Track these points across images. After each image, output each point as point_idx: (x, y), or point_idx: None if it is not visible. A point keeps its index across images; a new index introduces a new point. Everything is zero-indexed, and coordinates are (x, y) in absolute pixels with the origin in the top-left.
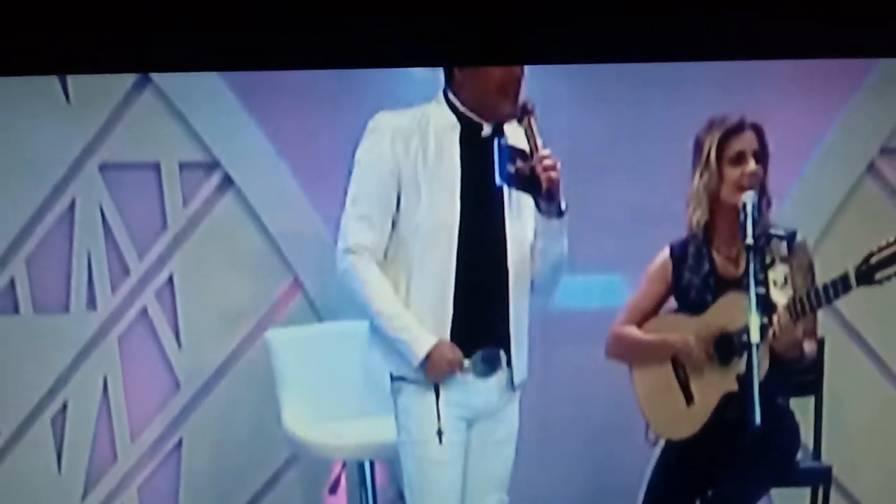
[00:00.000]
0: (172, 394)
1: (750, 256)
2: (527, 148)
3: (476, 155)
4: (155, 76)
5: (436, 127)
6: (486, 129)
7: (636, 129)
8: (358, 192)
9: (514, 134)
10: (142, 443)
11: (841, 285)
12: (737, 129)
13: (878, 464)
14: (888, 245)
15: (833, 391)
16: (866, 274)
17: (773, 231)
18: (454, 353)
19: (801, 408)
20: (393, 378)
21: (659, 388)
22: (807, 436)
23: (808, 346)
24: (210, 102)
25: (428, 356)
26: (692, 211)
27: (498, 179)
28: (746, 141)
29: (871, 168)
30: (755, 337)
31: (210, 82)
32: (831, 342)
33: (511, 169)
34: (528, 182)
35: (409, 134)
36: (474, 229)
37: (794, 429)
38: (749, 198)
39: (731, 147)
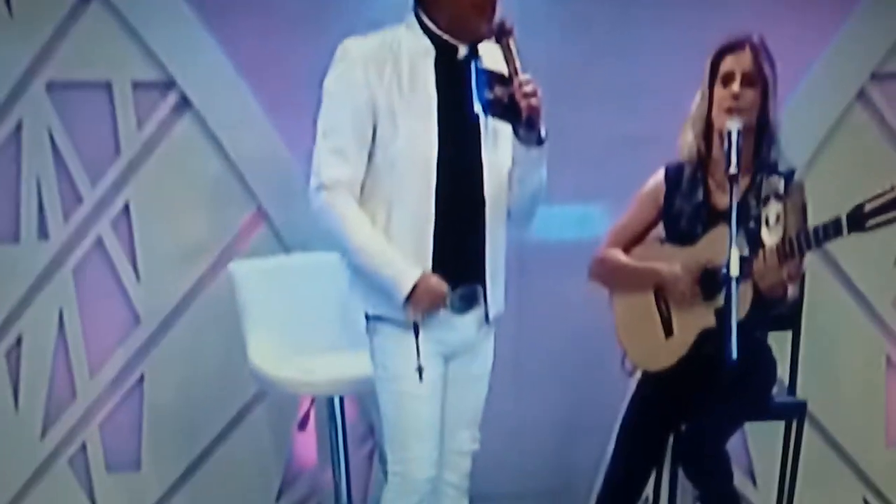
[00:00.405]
0: (132, 328)
1: (734, 187)
2: (505, 71)
3: (452, 79)
4: None
5: (409, 51)
6: (462, 51)
7: (619, 51)
8: (330, 124)
9: (492, 56)
10: (102, 378)
11: (833, 230)
12: (732, 47)
13: (854, 398)
14: (882, 194)
15: (811, 325)
16: (858, 221)
17: (773, 166)
18: (440, 285)
19: (777, 341)
20: (369, 317)
21: (638, 316)
22: (783, 370)
23: (791, 289)
24: (164, 16)
25: (413, 290)
26: (683, 135)
27: (476, 106)
28: (739, 60)
29: (861, 95)
30: (734, 270)
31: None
32: (811, 275)
33: (489, 95)
34: (507, 109)
35: (381, 60)
36: (452, 159)
37: (771, 363)
38: (733, 124)
39: (722, 66)
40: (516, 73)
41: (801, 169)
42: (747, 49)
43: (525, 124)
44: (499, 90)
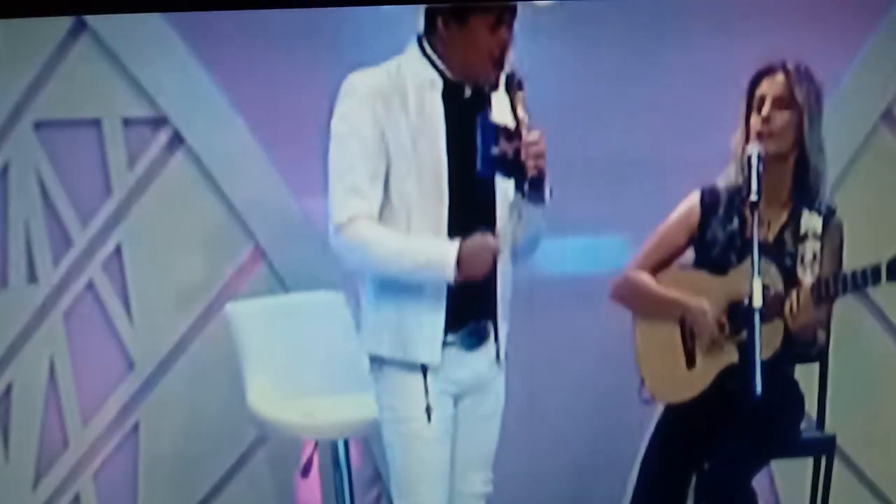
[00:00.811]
0: (126, 374)
1: (755, 216)
2: (511, 123)
3: (460, 112)
4: (91, 20)
5: (415, 84)
6: (468, 91)
7: (637, 67)
8: (342, 164)
9: (497, 99)
10: (95, 427)
11: (871, 277)
12: (767, 72)
13: (885, 433)
14: None
15: (840, 356)
16: None
17: (814, 203)
18: (485, 238)
19: (804, 373)
20: (374, 358)
21: (660, 343)
22: (810, 404)
23: (820, 334)
24: (155, 50)
25: (460, 257)
26: (728, 169)
27: (479, 165)
28: (771, 84)
29: (887, 115)
30: (757, 301)
31: (154, 26)
32: (839, 305)
33: (494, 151)
34: (512, 167)
35: (387, 94)
36: (463, 194)
37: (798, 399)
38: (753, 149)
39: (757, 91)
40: (523, 130)
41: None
42: (780, 72)
43: (529, 184)
44: (504, 145)
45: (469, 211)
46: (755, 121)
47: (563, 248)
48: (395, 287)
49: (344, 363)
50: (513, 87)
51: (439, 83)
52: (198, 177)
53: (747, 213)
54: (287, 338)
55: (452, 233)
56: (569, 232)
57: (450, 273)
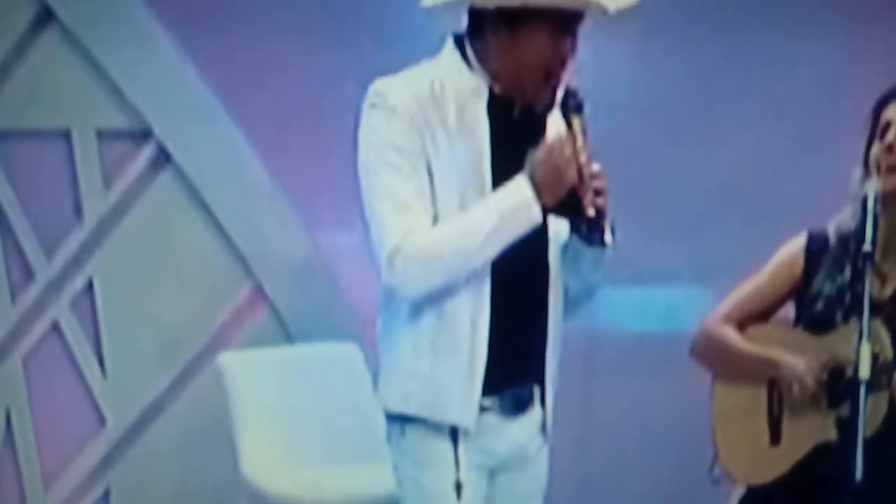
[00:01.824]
0: (96, 432)
1: (866, 269)
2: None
3: (507, 136)
4: (59, 8)
5: (455, 93)
6: (517, 110)
7: (728, 78)
8: (383, 185)
9: (552, 123)
10: (58, 493)
11: None
12: (893, 95)
13: None
14: None
15: None
16: None
17: None
18: (553, 147)
19: None
20: (394, 417)
21: (742, 413)
22: None
23: None
24: (137, 48)
25: (535, 182)
26: (843, 210)
27: None
28: None
29: None
30: (864, 372)
31: (136, 19)
32: None
33: None
34: (568, 205)
35: (424, 104)
36: (510, 247)
37: None
38: (870, 187)
39: (881, 116)
40: (582, 159)
41: None
42: None
43: (588, 224)
44: None
45: (516, 252)
46: (876, 152)
47: (627, 301)
48: (430, 333)
49: (357, 428)
50: (570, 109)
51: (485, 94)
52: (186, 201)
53: (860, 263)
54: (290, 396)
55: (498, 270)
56: (635, 281)
57: (534, 207)
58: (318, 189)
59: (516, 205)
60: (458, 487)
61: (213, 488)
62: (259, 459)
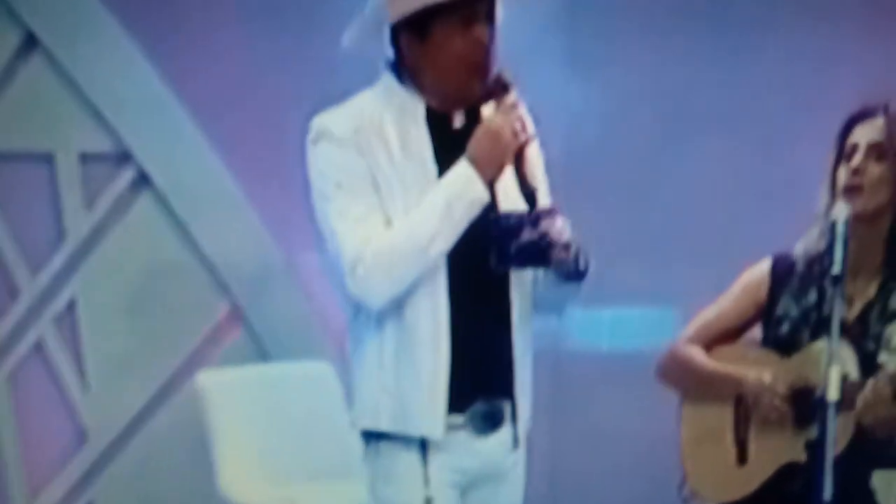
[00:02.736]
0: (78, 447)
1: (837, 292)
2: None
3: (452, 150)
4: (44, 36)
5: (393, 116)
6: (458, 121)
7: (698, 104)
8: (336, 208)
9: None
10: None
11: None
12: (862, 116)
13: None
14: None
15: None
16: None
17: None
18: (490, 125)
19: (884, 481)
20: (368, 435)
21: (708, 433)
22: None
23: None
24: (118, 74)
25: (475, 162)
26: (808, 233)
27: (494, 263)
28: (867, 130)
29: None
30: (833, 394)
31: (118, 44)
32: None
33: (513, 247)
34: (536, 257)
35: (365, 131)
36: (463, 239)
37: None
38: (840, 212)
39: (848, 139)
40: (517, 127)
41: None
42: (880, 117)
43: (556, 265)
44: (528, 233)
45: (473, 262)
46: (842, 175)
47: (597, 320)
48: (392, 348)
49: (332, 444)
50: (500, 90)
51: (421, 112)
52: (166, 222)
53: (827, 286)
54: (267, 413)
55: (455, 280)
56: (605, 301)
57: (478, 184)
58: (295, 209)
59: (458, 183)
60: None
61: (192, 503)
62: (236, 475)
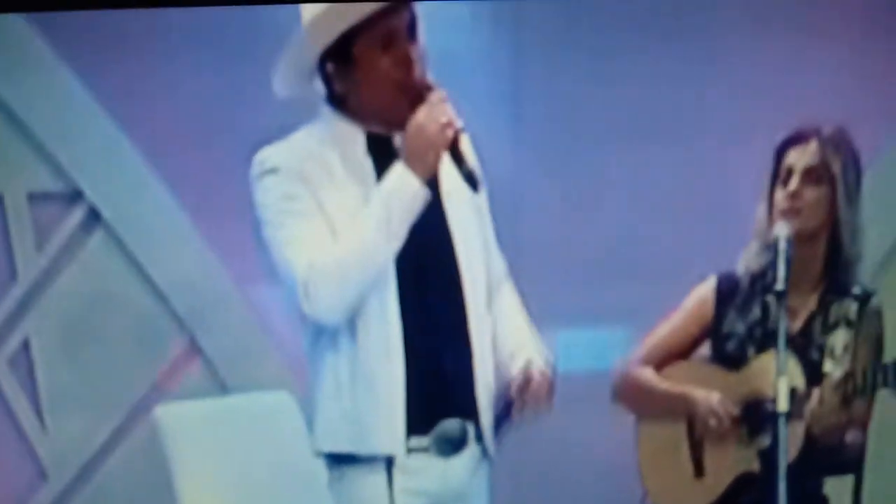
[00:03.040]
0: (37, 486)
1: (781, 307)
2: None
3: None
4: None
5: (334, 145)
6: (399, 140)
7: (644, 126)
8: (284, 237)
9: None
10: None
11: None
12: (797, 139)
13: None
14: None
15: (878, 468)
16: None
17: (849, 287)
18: (419, 118)
19: (835, 488)
20: (332, 459)
21: (665, 449)
22: None
23: (852, 435)
24: (64, 111)
25: (408, 160)
26: (746, 249)
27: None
28: (802, 154)
29: None
30: (783, 405)
31: (61, 85)
32: (880, 408)
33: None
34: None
35: (305, 160)
36: (414, 260)
37: None
38: (781, 231)
39: (784, 161)
40: (444, 121)
41: (866, 279)
42: (814, 141)
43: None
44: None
45: (425, 282)
46: (780, 197)
47: (556, 342)
48: (347, 370)
49: (296, 476)
50: (423, 93)
51: (361, 138)
52: (119, 260)
53: (770, 301)
54: (228, 447)
55: (408, 315)
56: (563, 324)
57: (412, 179)
58: (248, 244)
59: (392, 182)
60: None
61: None
62: None
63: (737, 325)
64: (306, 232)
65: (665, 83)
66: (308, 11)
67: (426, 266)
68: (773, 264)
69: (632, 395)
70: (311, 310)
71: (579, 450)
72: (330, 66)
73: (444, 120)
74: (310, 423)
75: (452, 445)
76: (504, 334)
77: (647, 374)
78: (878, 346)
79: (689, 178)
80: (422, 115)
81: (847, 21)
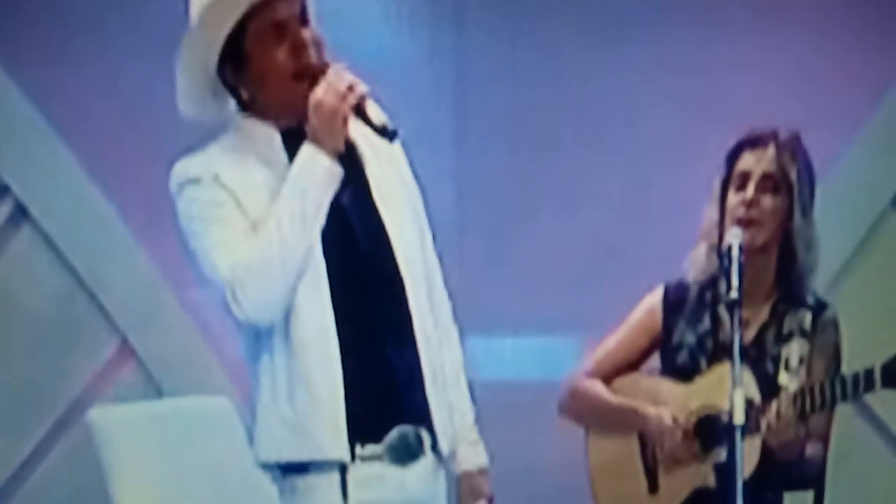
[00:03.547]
0: None
1: (734, 316)
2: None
3: None
4: None
5: (251, 147)
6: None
7: (607, 134)
8: (214, 237)
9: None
10: None
11: (864, 382)
12: (753, 143)
13: None
14: None
15: (839, 484)
16: (894, 375)
17: (803, 297)
18: (336, 83)
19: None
20: (280, 470)
21: (617, 465)
22: None
23: (812, 449)
24: None
25: (315, 139)
26: (695, 250)
27: None
28: (759, 159)
29: None
30: (738, 418)
31: None
32: (839, 421)
33: None
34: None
35: (222, 166)
36: (343, 252)
37: None
38: (734, 238)
39: (738, 164)
40: (343, 88)
41: (823, 289)
42: (771, 146)
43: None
44: None
45: (357, 276)
46: (734, 203)
47: (515, 350)
48: (285, 377)
49: (235, 484)
50: (318, 75)
51: (276, 136)
52: (47, 258)
53: (722, 311)
54: (163, 450)
55: (340, 312)
56: (522, 332)
57: (320, 157)
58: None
59: (302, 163)
60: None
61: None
62: None
63: (686, 335)
64: (228, 236)
65: (613, 85)
66: (195, 10)
67: (362, 262)
68: (725, 272)
69: (580, 409)
70: (240, 312)
71: (530, 460)
72: (228, 70)
73: (343, 87)
74: (250, 432)
75: (408, 453)
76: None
77: (597, 388)
78: (835, 357)
79: (638, 182)
80: (319, 91)
81: (800, 24)
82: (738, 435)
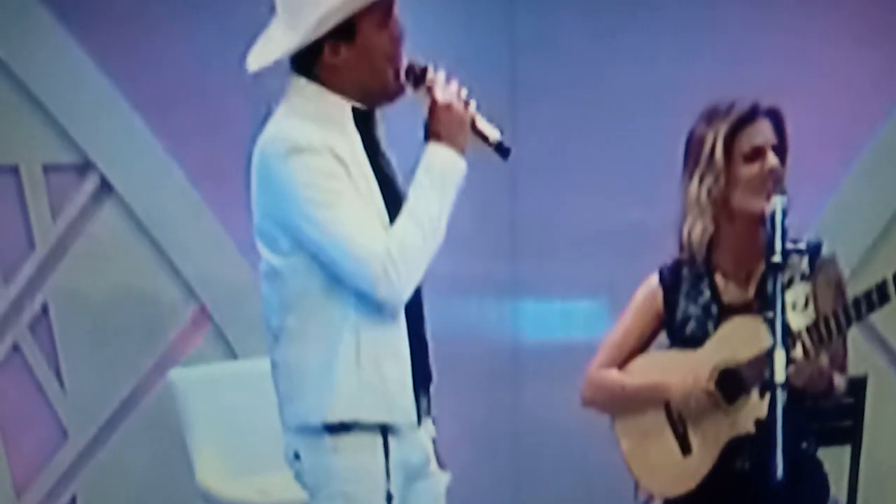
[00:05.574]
0: (60, 445)
1: (778, 277)
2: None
3: (372, 146)
4: (1, 51)
5: (336, 122)
6: (378, 114)
7: (620, 100)
8: (342, 212)
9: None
10: (29, 501)
11: (877, 295)
12: (749, 118)
13: None
14: None
15: (874, 439)
16: None
17: (791, 245)
18: (449, 101)
19: (834, 457)
20: (320, 433)
21: (648, 437)
22: (838, 489)
23: (837, 379)
24: (75, 85)
25: (449, 142)
26: (690, 225)
27: None
28: (762, 132)
29: None
30: (780, 376)
31: (73, 57)
32: (875, 380)
33: None
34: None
35: (325, 139)
36: None
37: (823, 484)
38: (779, 203)
39: (743, 141)
40: (463, 103)
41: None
42: (764, 118)
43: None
44: None
45: None
46: (754, 174)
47: (553, 312)
48: (373, 345)
49: None
50: (418, 78)
51: (348, 111)
52: (130, 229)
53: (719, 278)
54: (237, 408)
55: None
56: (555, 293)
57: (458, 159)
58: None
59: (445, 164)
60: (389, 499)
61: (172, 493)
62: (212, 467)
63: (690, 308)
64: (363, 212)
65: (646, 75)
66: None
67: None
68: (769, 238)
69: (603, 399)
70: (388, 293)
71: (581, 423)
72: (330, 43)
73: (463, 97)
74: (284, 400)
75: (427, 414)
76: None
77: (614, 375)
78: (839, 289)
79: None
80: (443, 95)
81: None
82: (779, 392)
